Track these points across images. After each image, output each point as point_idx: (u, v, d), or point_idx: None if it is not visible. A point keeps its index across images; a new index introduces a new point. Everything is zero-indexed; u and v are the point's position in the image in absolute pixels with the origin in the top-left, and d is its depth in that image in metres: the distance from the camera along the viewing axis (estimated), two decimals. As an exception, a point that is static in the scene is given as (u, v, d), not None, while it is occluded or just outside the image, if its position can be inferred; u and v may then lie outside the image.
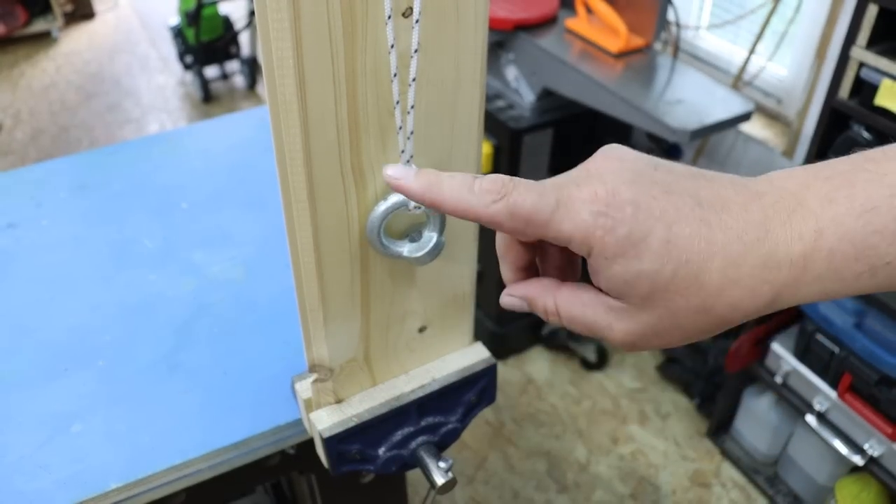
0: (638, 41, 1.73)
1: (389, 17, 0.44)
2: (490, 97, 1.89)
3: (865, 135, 1.34)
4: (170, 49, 3.82)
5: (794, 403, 1.64)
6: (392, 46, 0.45)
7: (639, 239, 0.34)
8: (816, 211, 0.33)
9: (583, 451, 1.95)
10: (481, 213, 0.38)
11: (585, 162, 0.38)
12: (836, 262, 0.33)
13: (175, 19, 3.42)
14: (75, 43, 4.09)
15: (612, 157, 0.37)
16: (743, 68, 1.99)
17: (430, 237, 0.55)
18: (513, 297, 0.42)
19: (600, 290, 0.37)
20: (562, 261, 0.43)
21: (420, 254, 0.54)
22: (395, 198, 0.52)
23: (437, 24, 0.48)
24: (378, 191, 0.54)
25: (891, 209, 0.32)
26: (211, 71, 3.55)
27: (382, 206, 0.53)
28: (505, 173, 1.41)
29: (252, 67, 3.50)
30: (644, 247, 0.34)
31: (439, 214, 0.54)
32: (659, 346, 0.37)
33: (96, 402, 0.78)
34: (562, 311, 0.39)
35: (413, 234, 0.55)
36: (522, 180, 0.38)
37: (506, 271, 0.44)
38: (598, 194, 0.35)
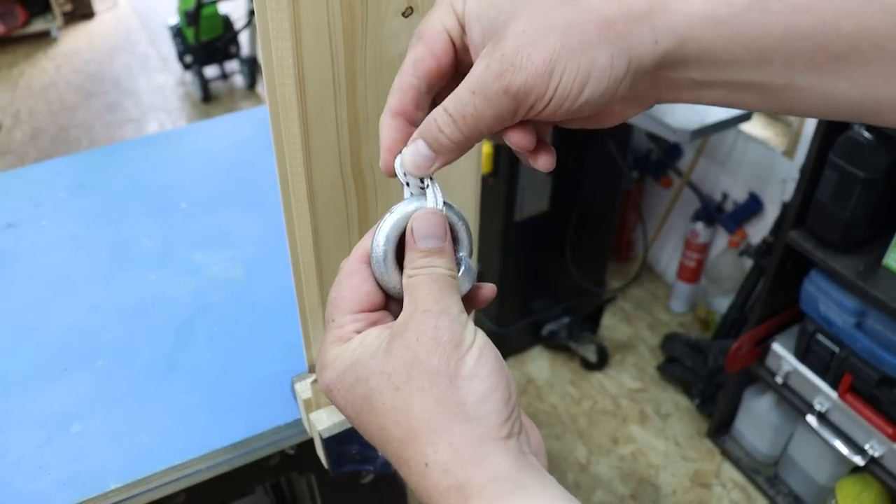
0: (638, 41, 1.72)
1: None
2: (490, 97, 1.89)
3: (866, 134, 1.34)
4: (169, 49, 3.82)
5: (794, 404, 1.64)
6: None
7: None
8: None
9: (583, 451, 1.95)
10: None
11: None
12: None
13: (174, 19, 3.42)
14: (74, 43, 4.09)
15: None
16: (743, 68, 1.99)
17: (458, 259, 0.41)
18: (411, 144, 0.38)
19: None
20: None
21: None
22: (403, 208, 0.39)
23: (437, 24, 0.48)
24: (378, 191, 0.54)
25: None
26: (210, 70, 3.55)
27: (388, 223, 0.39)
28: (505, 173, 1.40)
29: (252, 67, 3.50)
30: None
31: (465, 232, 0.41)
32: (541, 59, 0.33)
33: (96, 403, 0.78)
34: (451, 107, 0.36)
35: None
36: None
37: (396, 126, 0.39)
38: None
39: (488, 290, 0.42)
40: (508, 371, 0.36)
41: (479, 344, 0.35)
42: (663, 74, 0.34)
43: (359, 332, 0.39)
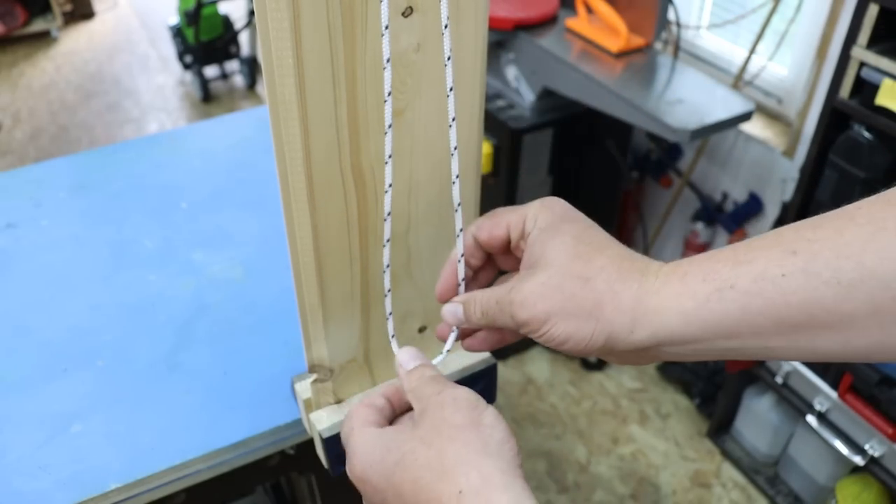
0: (638, 41, 1.73)
1: (387, 28, 0.44)
2: (490, 97, 1.89)
3: (866, 135, 1.34)
4: (169, 49, 3.82)
5: (794, 404, 1.64)
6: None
7: (568, 220, 0.46)
8: (680, 260, 0.43)
9: (583, 451, 1.95)
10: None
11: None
12: (688, 279, 0.40)
13: (174, 19, 3.42)
14: (75, 42, 4.09)
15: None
16: (743, 68, 1.99)
17: None
18: (451, 303, 0.50)
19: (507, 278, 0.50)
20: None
21: None
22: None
23: (437, 24, 0.48)
24: (378, 191, 0.54)
25: (732, 251, 0.40)
26: (210, 70, 3.55)
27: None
28: (505, 173, 1.41)
29: (252, 67, 3.50)
30: (567, 227, 0.46)
31: None
32: (541, 310, 0.43)
33: (96, 402, 0.78)
34: (485, 296, 0.47)
35: None
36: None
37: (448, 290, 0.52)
38: (546, 198, 0.49)
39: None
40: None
41: (492, 408, 0.42)
42: (645, 352, 0.43)
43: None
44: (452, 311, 0.50)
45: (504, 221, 0.48)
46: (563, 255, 0.44)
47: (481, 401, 0.42)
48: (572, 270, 0.43)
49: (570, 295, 0.42)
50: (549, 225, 0.46)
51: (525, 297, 0.43)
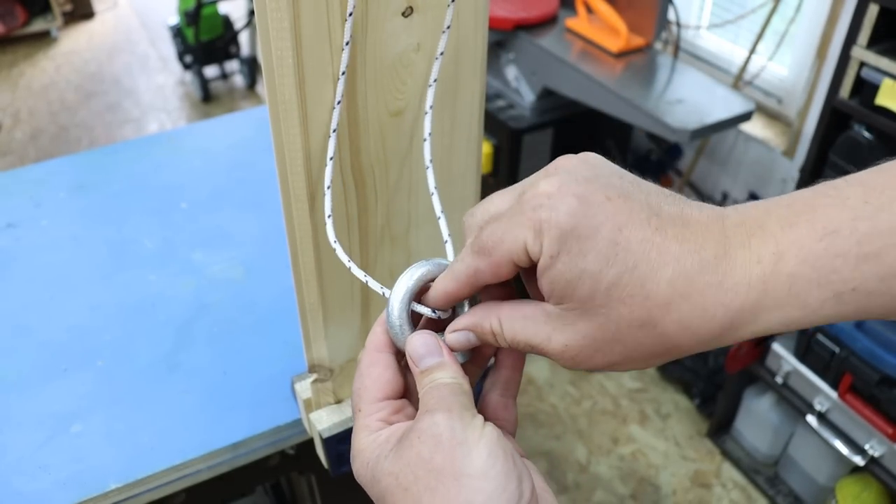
0: (638, 41, 1.73)
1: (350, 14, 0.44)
2: (490, 97, 1.89)
3: (866, 134, 1.34)
4: (169, 49, 3.82)
5: (794, 404, 1.64)
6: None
7: (584, 236, 0.32)
8: (776, 234, 0.31)
9: (583, 451, 1.95)
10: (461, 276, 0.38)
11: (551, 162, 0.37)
12: (797, 287, 0.31)
13: (174, 19, 3.42)
14: (74, 42, 4.08)
15: (575, 158, 0.35)
16: (743, 68, 1.99)
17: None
18: (458, 331, 0.39)
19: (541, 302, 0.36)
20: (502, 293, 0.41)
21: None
22: (411, 272, 0.41)
23: (437, 24, 0.48)
24: (378, 191, 0.54)
25: (853, 232, 0.30)
26: (210, 70, 3.55)
27: (397, 296, 0.40)
28: (505, 173, 1.41)
29: (252, 67, 3.50)
30: (589, 245, 0.32)
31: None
32: (601, 364, 0.35)
33: (96, 402, 0.78)
34: (505, 328, 0.37)
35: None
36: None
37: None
38: (545, 189, 0.33)
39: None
40: (524, 468, 0.35)
41: (487, 442, 0.34)
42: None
43: (382, 420, 0.39)
44: (463, 342, 0.40)
45: (505, 257, 0.35)
46: (604, 297, 0.32)
47: (469, 437, 0.34)
48: (629, 319, 0.33)
49: (633, 346, 0.33)
50: (562, 249, 0.32)
51: (574, 356, 0.35)
